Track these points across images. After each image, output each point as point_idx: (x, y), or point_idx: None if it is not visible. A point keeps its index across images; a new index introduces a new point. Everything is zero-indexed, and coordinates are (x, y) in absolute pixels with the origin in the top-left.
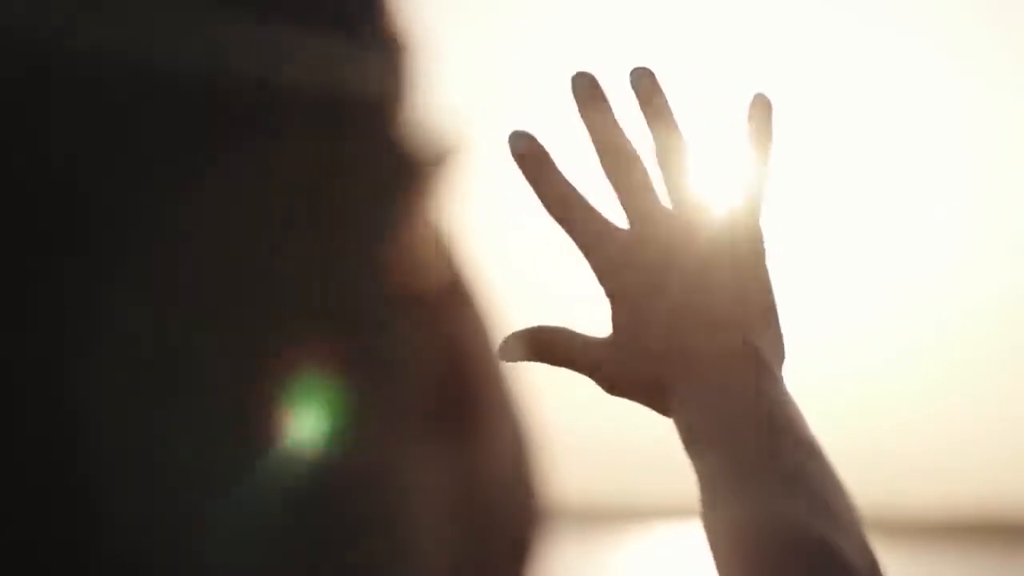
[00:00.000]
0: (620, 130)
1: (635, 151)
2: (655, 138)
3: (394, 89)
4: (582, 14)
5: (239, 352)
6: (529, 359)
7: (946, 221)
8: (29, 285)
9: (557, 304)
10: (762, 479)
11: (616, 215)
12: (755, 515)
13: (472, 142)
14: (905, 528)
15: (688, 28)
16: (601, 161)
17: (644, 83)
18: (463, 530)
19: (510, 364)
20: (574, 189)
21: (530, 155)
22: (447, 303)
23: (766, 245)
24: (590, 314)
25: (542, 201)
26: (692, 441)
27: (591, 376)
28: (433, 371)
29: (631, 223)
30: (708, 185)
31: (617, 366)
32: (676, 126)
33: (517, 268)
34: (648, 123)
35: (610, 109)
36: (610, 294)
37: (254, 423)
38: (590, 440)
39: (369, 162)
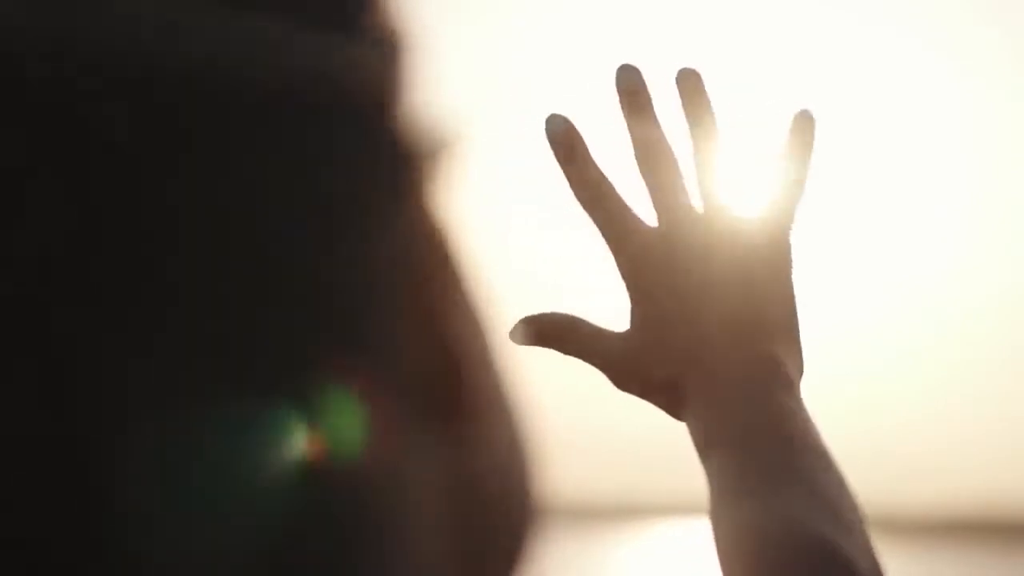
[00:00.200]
0: (659, 127)
1: (672, 150)
2: (694, 140)
3: (390, 84)
4: (581, 10)
5: (237, 351)
6: (539, 344)
7: (946, 221)
8: (34, 287)
9: (554, 298)
10: (772, 483)
11: (646, 212)
12: (762, 516)
13: (468, 135)
14: (904, 527)
15: (687, 27)
16: (637, 156)
17: (689, 83)
18: (458, 526)
19: (521, 347)
20: (606, 179)
21: (565, 140)
22: (443, 297)
23: (793, 260)
24: (588, 308)
25: (572, 188)
26: (706, 445)
27: (601, 369)
28: (428, 366)
29: (660, 221)
30: (742, 193)
31: (631, 362)
32: (716, 130)
33: (514, 262)
34: (688, 124)
35: (652, 105)
36: (631, 289)
37: (252, 422)
38: (587, 436)
39: (365, 156)
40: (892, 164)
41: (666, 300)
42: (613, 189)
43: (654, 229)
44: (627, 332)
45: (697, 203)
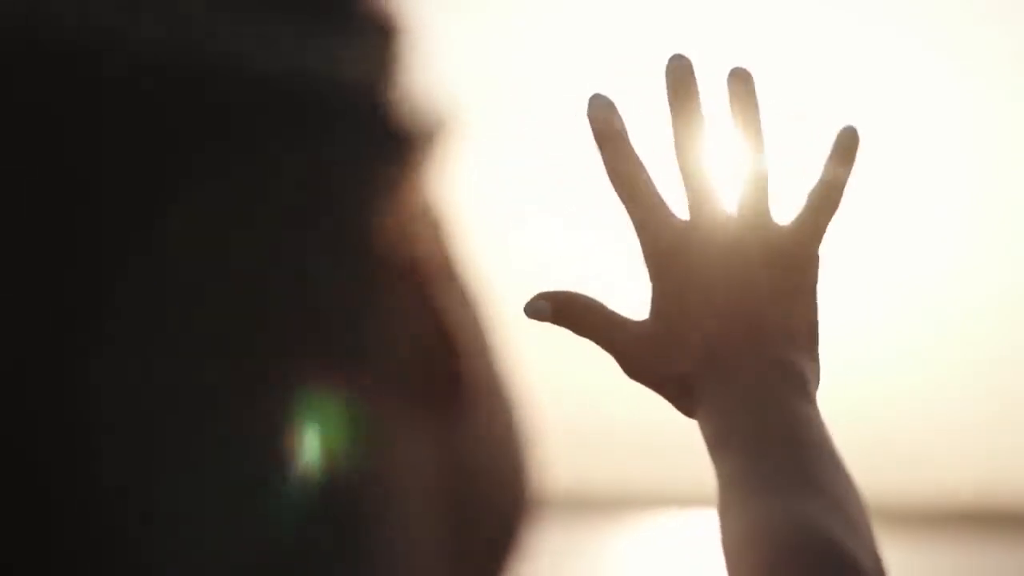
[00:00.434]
0: (703, 123)
1: (713, 150)
2: (737, 143)
3: (384, 73)
4: (579, 6)
5: (233, 347)
6: (554, 322)
7: (945, 220)
8: (37, 289)
9: (549, 285)
10: (782, 483)
11: (678, 206)
12: (771, 515)
13: (463, 122)
14: (902, 517)
15: (687, 27)
16: (676, 148)
17: (740, 84)
18: (451, 514)
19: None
20: (642, 167)
21: (607, 124)
22: (436, 284)
23: (820, 273)
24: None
25: (608, 172)
26: (718, 444)
27: (615, 355)
28: (421, 352)
29: (692, 215)
30: (777, 199)
31: (647, 353)
32: (760, 133)
33: (510, 249)
34: (734, 127)
35: (699, 100)
36: (654, 279)
37: (246, 416)
38: (587, 427)
39: (359, 146)
40: (891, 164)
41: (690, 294)
42: (648, 178)
43: (685, 223)
44: (645, 321)
45: (731, 203)
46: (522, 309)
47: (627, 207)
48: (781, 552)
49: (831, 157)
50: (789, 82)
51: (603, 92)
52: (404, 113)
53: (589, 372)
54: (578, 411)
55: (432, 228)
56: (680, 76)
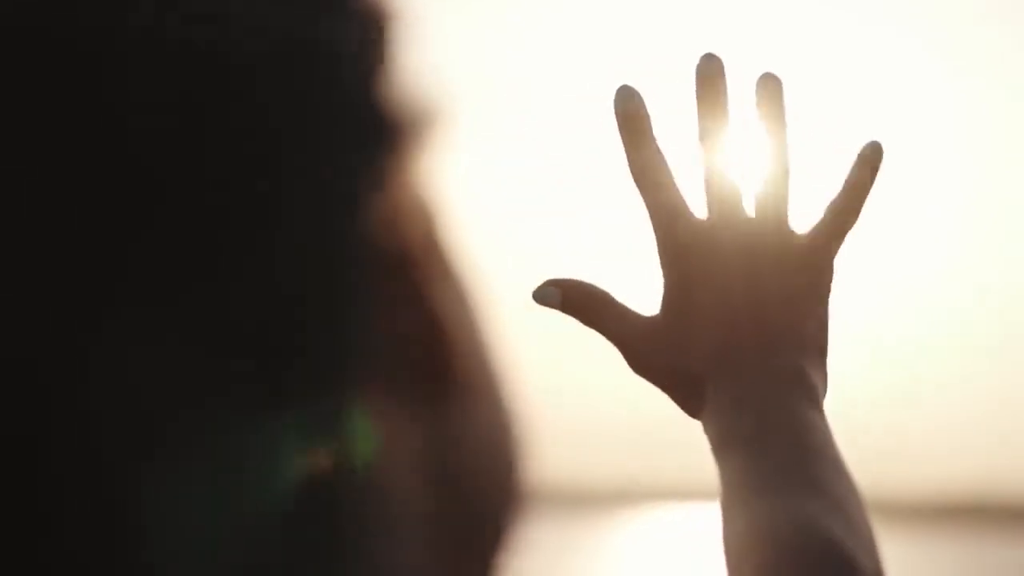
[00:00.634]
0: (728, 123)
1: (736, 151)
2: (760, 147)
3: (376, 58)
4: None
5: (231, 340)
6: (562, 310)
7: (942, 220)
8: (37, 290)
9: (543, 274)
10: (786, 484)
11: (698, 203)
12: (773, 515)
13: (454, 112)
14: (903, 512)
15: (686, 26)
16: (702, 145)
17: (770, 89)
18: (441, 506)
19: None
20: (664, 161)
21: (633, 115)
22: (429, 276)
23: (833, 285)
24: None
25: (630, 163)
26: (722, 445)
27: (622, 350)
28: (413, 344)
29: (710, 214)
30: (797, 206)
31: (655, 349)
32: (784, 139)
33: (501, 238)
34: (759, 130)
35: (727, 100)
36: (668, 275)
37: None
38: (583, 422)
39: (350, 134)
40: (891, 163)
41: (703, 294)
42: (670, 173)
43: (702, 221)
44: (655, 316)
45: (750, 206)
46: (530, 295)
47: (645, 200)
48: (783, 552)
49: (853, 170)
50: (788, 82)
51: (630, 84)
52: (396, 103)
53: (586, 367)
54: (575, 406)
55: (424, 219)
56: (711, 75)
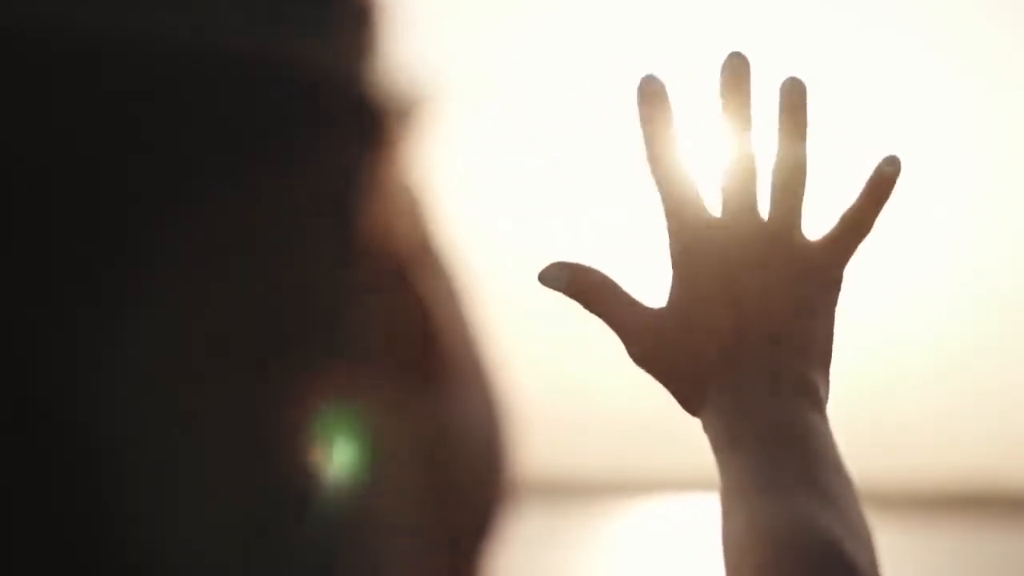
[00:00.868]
0: (751, 124)
1: (755, 152)
2: (779, 150)
3: (360, 54)
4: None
5: (227, 337)
6: (567, 294)
7: (944, 220)
8: (39, 293)
9: (529, 267)
10: (787, 484)
11: (712, 201)
12: (773, 514)
13: (442, 105)
14: (900, 503)
15: (686, 25)
16: (724, 140)
17: (794, 95)
18: (428, 496)
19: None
20: (682, 156)
21: (654, 106)
22: (416, 269)
23: (840, 295)
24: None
25: (648, 157)
26: (724, 445)
27: (625, 340)
28: (400, 334)
29: (725, 213)
30: (810, 213)
31: (659, 343)
32: (805, 148)
33: (501, 238)
34: (779, 134)
35: (751, 99)
36: (677, 270)
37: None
38: (578, 413)
39: (336, 128)
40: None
41: (712, 292)
42: (686, 167)
43: (716, 219)
44: (661, 310)
45: (764, 208)
46: (536, 276)
47: (661, 193)
48: (783, 551)
49: (870, 183)
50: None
51: (655, 75)
52: (383, 97)
53: (583, 360)
54: (570, 398)
55: (413, 214)
56: (737, 73)
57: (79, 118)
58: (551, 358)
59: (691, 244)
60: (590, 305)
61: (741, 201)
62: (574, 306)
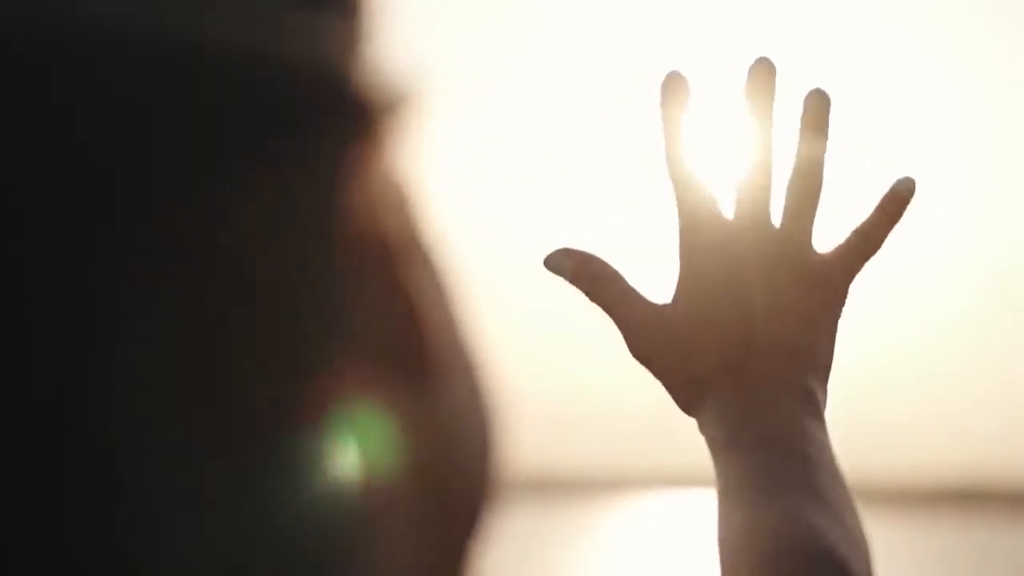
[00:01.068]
0: (772, 130)
1: (773, 159)
2: (798, 160)
3: (349, 48)
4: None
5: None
6: (571, 282)
7: (945, 221)
8: (51, 286)
9: (517, 262)
10: (784, 488)
11: (726, 201)
12: (770, 517)
13: (429, 93)
14: (895, 498)
15: (686, 25)
16: (747, 143)
17: (817, 106)
18: (418, 492)
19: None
20: (699, 156)
21: (680, 108)
22: (404, 259)
23: (844, 311)
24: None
25: (666, 156)
26: (722, 448)
27: (625, 332)
28: (387, 327)
29: (737, 215)
30: (821, 224)
31: (661, 340)
32: (823, 158)
33: (500, 238)
34: (800, 144)
35: (773, 102)
36: (685, 268)
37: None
38: (565, 406)
39: (323, 119)
40: (892, 163)
41: (718, 293)
42: (702, 168)
43: (729, 221)
44: (665, 307)
45: (777, 215)
46: (542, 262)
47: (676, 191)
48: (781, 553)
49: (884, 202)
50: (788, 82)
51: (680, 71)
52: (369, 91)
53: (576, 355)
54: (563, 393)
55: (400, 208)
56: (763, 78)
57: (77, 118)
58: (545, 355)
59: (701, 244)
60: (593, 295)
61: (755, 206)
62: (569, 304)
